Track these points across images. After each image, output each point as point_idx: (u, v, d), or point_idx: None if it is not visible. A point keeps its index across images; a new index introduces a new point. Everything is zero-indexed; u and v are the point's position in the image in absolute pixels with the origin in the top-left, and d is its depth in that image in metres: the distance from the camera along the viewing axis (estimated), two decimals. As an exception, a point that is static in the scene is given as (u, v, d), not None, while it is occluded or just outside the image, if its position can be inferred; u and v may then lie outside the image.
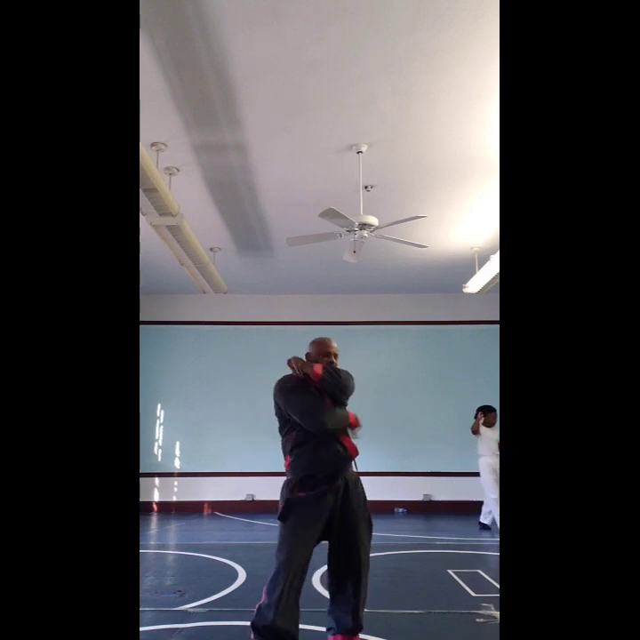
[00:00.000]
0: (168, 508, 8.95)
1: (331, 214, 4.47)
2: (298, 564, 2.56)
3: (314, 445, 2.68)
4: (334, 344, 2.86)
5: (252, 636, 2.57)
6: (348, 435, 2.75)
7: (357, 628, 2.70)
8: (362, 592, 2.71)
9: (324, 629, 2.81)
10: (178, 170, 5.23)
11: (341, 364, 2.91)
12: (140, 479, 8.69)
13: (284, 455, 2.79)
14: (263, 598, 2.57)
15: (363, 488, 2.83)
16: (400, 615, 3.50)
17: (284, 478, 2.76)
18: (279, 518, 2.65)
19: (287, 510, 2.63)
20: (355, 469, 2.83)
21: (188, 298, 9.43)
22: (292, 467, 2.72)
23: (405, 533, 6.87)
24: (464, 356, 9.38)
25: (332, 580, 2.77)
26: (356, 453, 2.76)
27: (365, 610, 2.77)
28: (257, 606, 2.59)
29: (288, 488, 2.70)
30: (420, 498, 8.95)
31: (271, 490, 7.91)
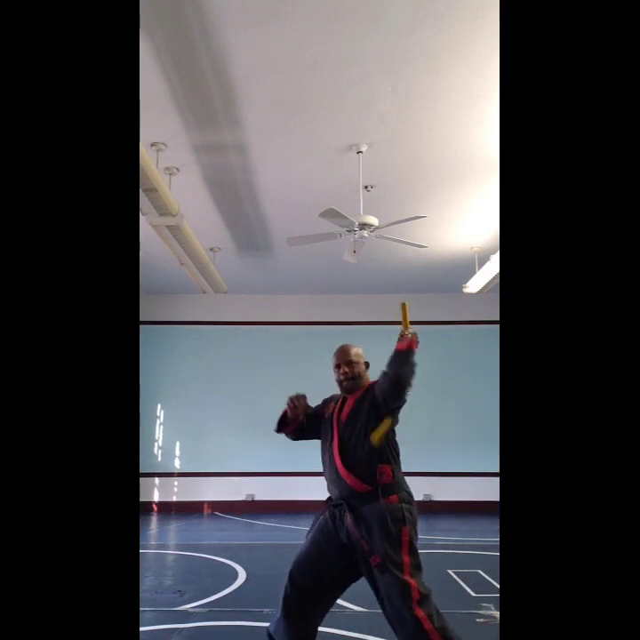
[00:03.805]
0: (168, 508, 8.95)
1: (331, 214, 4.47)
2: (300, 576, 2.30)
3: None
4: (353, 350, 2.57)
5: None
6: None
7: None
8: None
9: (326, 630, 2.80)
10: (178, 170, 5.23)
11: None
12: (140, 479, 8.69)
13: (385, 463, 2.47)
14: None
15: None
16: (400, 615, 3.49)
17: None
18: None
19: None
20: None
21: (188, 298, 9.44)
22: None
23: (405, 533, 6.85)
24: (464, 356, 9.38)
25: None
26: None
27: (365, 610, 2.73)
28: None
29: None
30: (420, 498, 8.87)
31: (271, 490, 7.91)
